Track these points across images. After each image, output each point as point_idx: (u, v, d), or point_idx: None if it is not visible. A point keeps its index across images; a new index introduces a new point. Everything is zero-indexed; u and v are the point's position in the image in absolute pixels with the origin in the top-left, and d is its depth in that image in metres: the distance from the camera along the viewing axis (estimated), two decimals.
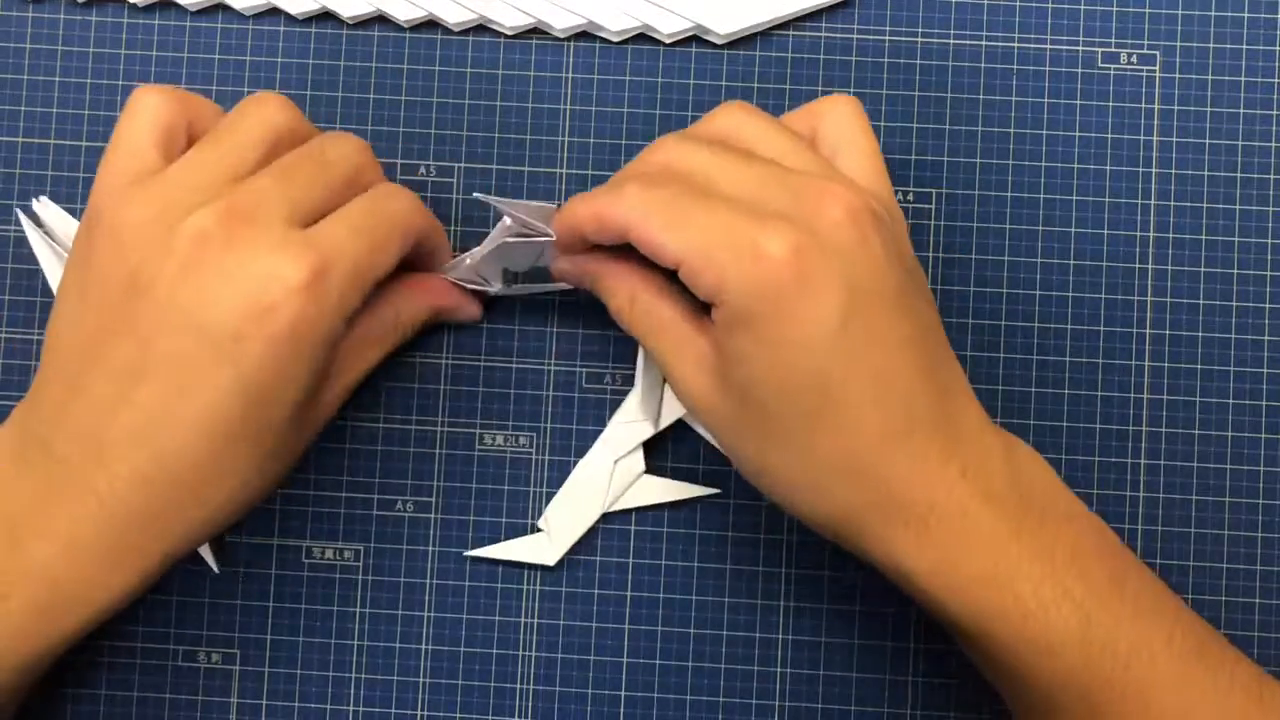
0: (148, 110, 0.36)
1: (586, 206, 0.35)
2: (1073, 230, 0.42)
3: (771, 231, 0.32)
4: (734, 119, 0.36)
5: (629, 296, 0.36)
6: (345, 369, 0.37)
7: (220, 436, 0.33)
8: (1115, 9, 0.43)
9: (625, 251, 0.36)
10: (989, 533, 0.33)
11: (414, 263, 0.40)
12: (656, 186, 0.34)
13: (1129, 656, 0.33)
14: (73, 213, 0.41)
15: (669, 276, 0.35)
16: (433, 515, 0.41)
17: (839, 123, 0.36)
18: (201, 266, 0.33)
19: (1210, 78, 0.43)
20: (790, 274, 0.32)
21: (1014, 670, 0.34)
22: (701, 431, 0.41)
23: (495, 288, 0.41)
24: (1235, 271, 0.42)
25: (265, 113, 0.36)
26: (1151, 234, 0.42)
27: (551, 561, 0.41)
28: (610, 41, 0.43)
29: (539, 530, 0.41)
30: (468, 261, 0.40)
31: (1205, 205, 0.42)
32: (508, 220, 0.38)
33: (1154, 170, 0.42)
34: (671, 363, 0.36)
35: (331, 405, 0.37)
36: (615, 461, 0.41)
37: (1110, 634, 0.33)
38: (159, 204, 0.34)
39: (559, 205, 0.37)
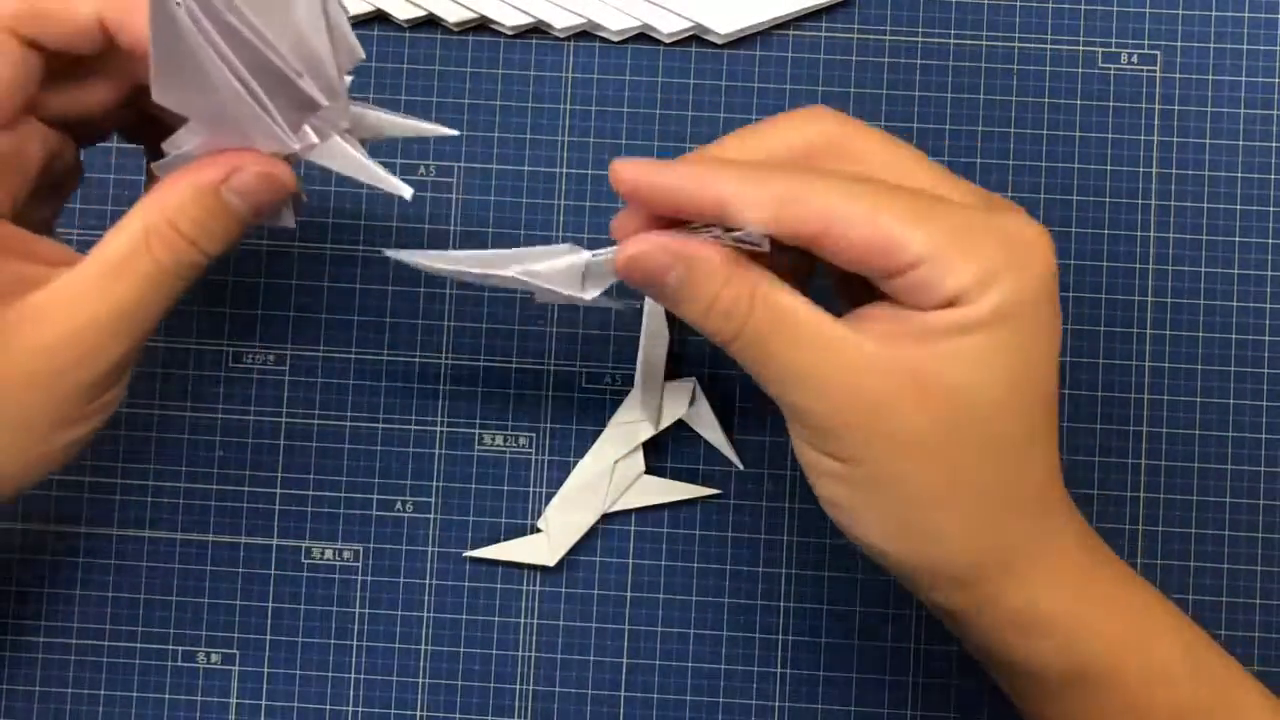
0: None
1: (749, 182, 0.28)
2: (1073, 230, 0.42)
3: (1026, 221, 0.29)
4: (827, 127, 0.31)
5: (748, 288, 0.29)
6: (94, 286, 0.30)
7: None
8: (1115, 9, 0.43)
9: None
10: (1103, 558, 0.32)
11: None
12: (865, 178, 0.29)
13: (1226, 686, 0.32)
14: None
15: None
16: (432, 515, 0.41)
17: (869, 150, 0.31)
18: None
19: (1210, 78, 0.43)
20: (1054, 277, 0.29)
21: (1130, 710, 0.32)
22: (803, 453, 0.31)
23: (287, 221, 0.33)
24: (1235, 271, 0.42)
25: None
26: (1151, 234, 0.42)
27: (551, 562, 0.41)
28: (610, 41, 0.43)
29: (538, 530, 0.41)
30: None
31: (1205, 205, 0.42)
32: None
33: (1154, 170, 0.42)
34: (820, 369, 0.29)
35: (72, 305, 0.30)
36: (615, 461, 0.41)
37: (1210, 663, 0.32)
38: None
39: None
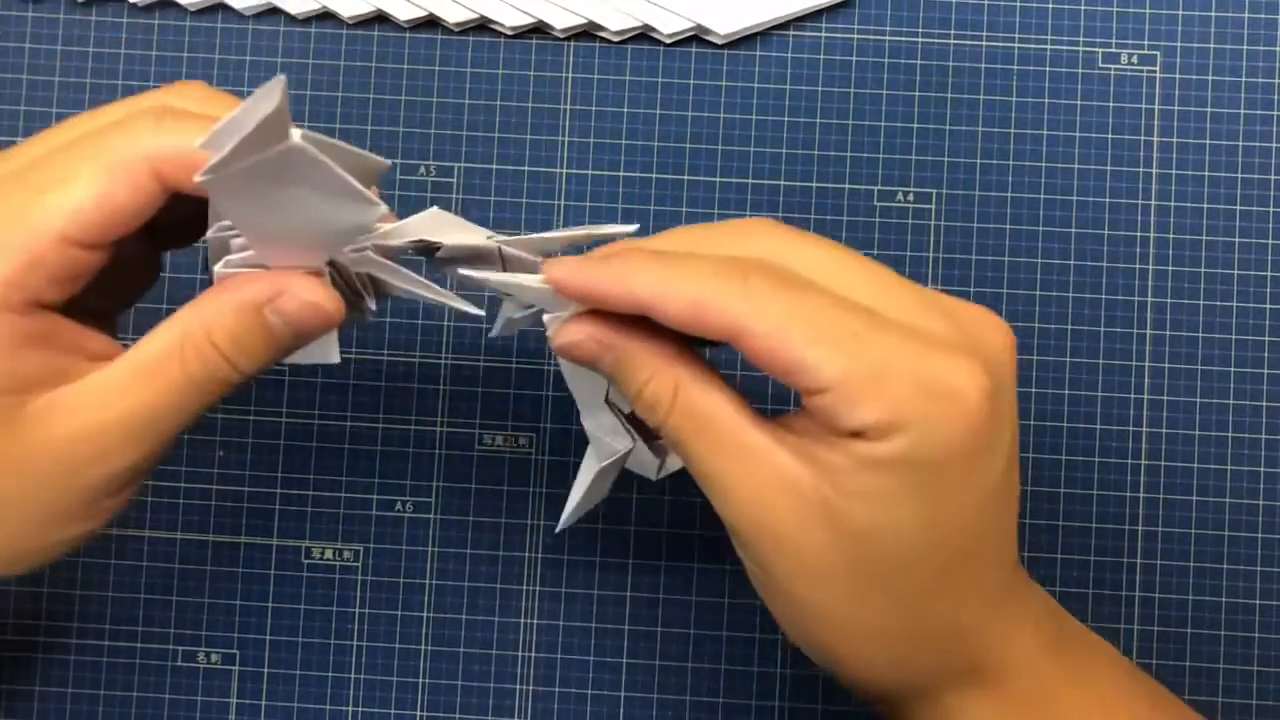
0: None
1: (667, 284, 0.28)
2: (1073, 230, 0.42)
3: (962, 366, 0.27)
4: (772, 240, 0.29)
5: (670, 385, 0.29)
6: (92, 394, 0.29)
7: None
8: (1115, 9, 0.43)
9: (645, 324, 0.29)
10: (1052, 688, 0.30)
11: None
12: (788, 286, 0.28)
13: None
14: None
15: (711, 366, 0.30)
16: (432, 515, 0.41)
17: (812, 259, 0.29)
18: None
19: (1210, 78, 0.43)
20: (984, 422, 0.27)
21: None
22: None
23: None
24: (1235, 272, 0.42)
25: None
26: (1151, 234, 0.42)
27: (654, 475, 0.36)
28: (610, 41, 0.43)
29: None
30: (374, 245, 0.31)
31: (1205, 205, 0.42)
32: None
33: (1154, 170, 0.42)
34: (733, 478, 0.29)
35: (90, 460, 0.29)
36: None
37: None
38: None
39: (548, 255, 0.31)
